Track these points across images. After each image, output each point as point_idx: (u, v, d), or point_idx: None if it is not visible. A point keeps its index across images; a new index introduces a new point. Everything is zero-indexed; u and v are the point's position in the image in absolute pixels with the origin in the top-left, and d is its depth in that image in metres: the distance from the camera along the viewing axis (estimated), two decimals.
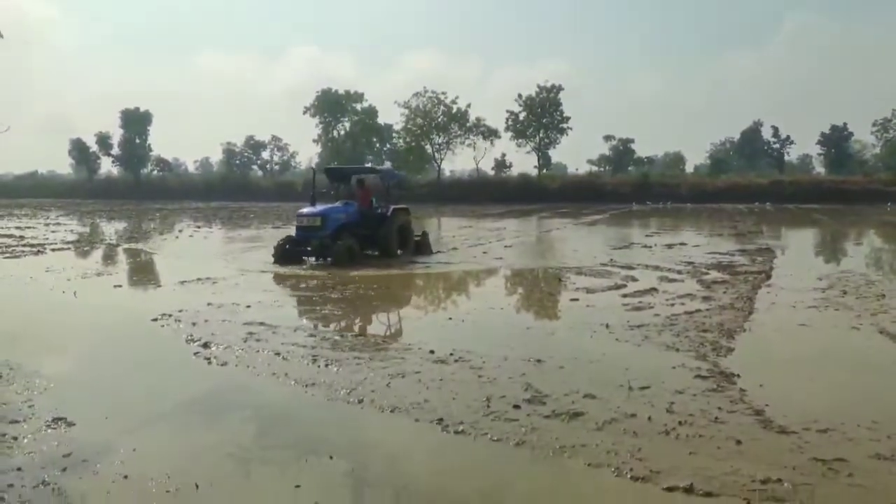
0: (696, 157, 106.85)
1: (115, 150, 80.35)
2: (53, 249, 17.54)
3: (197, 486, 3.69)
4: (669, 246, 17.85)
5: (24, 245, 18.38)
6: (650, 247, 17.70)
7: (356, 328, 7.90)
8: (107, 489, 3.67)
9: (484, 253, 16.48)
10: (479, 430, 4.52)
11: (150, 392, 5.64)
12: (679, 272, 12.32)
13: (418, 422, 4.72)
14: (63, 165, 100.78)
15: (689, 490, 3.63)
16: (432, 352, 6.45)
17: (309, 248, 13.72)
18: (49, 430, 4.53)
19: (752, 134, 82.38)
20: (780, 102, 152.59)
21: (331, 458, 4.12)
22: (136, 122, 79.29)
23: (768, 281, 11.30)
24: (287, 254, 13.82)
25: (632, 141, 76.56)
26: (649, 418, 4.68)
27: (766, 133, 79.02)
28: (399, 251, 15.06)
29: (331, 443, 4.40)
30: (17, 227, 26.37)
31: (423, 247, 15.95)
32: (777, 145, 77.07)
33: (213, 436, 4.65)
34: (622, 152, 76.10)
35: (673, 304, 9.00)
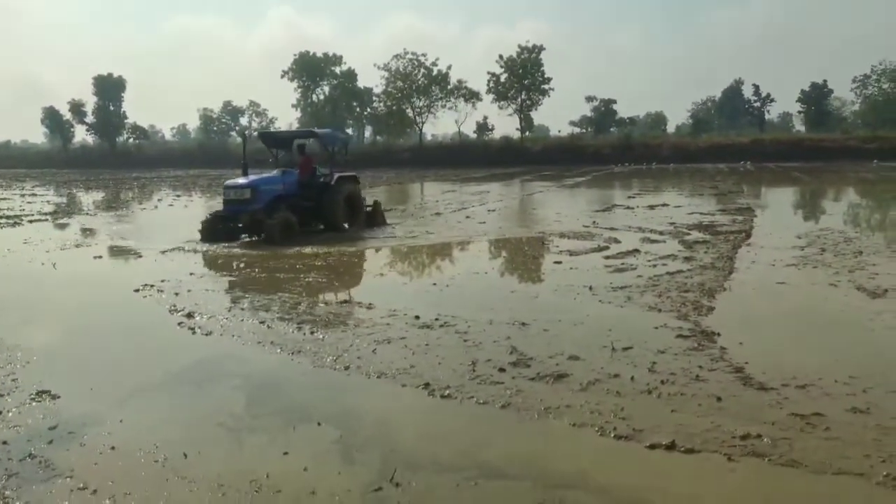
0: (677, 117, 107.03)
1: (90, 118, 78.72)
2: (31, 221, 17.26)
3: (185, 455, 3.71)
4: (651, 207, 17.94)
5: (0, 217, 18.07)
6: (632, 208, 17.78)
7: (341, 295, 7.89)
8: (94, 461, 3.68)
9: (467, 217, 16.46)
10: (465, 393, 4.57)
11: (135, 363, 5.62)
12: (661, 233, 12.41)
13: (405, 387, 4.76)
14: (37, 134, 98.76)
15: (671, 447, 3.71)
16: (417, 317, 6.48)
17: (241, 225, 12.46)
18: (34, 403, 4.51)
19: (733, 93, 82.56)
20: (761, 60, 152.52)
21: (318, 424, 4.15)
22: (109, 88, 77.64)
23: (748, 240, 11.43)
24: (217, 231, 12.37)
25: (614, 101, 76.42)
26: (632, 378, 4.76)
27: (747, 91, 79.27)
28: (347, 224, 13.98)
29: (318, 409, 4.43)
30: None
31: (375, 218, 14.74)
32: (758, 104, 77.36)
33: (199, 405, 4.66)
34: (604, 113, 75.92)
35: (655, 265, 9.08)
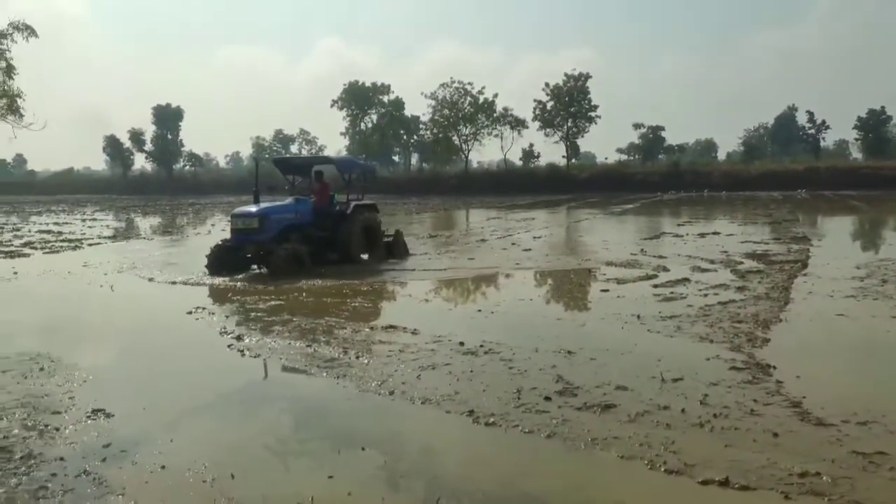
0: (728, 144, 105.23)
1: (148, 147, 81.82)
2: (90, 244, 17.95)
3: (233, 476, 3.75)
4: (702, 235, 17.59)
5: (62, 240, 18.84)
6: (682, 236, 17.46)
7: (386, 320, 7.92)
8: (145, 479, 3.75)
9: (513, 244, 16.40)
10: (509, 422, 4.51)
11: (186, 384, 5.75)
12: (712, 262, 12.13)
13: (449, 414, 4.73)
14: (98, 162, 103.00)
15: (724, 483, 3.58)
16: (462, 343, 6.45)
17: (249, 255, 11.73)
18: (89, 421, 4.64)
19: (787, 119, 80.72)
20: (816, 86, 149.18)
21: (363, 449, 4.15)
22: (167, 118, 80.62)
23: (804, 270, 11.07)
24: (224, 261, 11.63)
25: (662, 128, 75.58)
26: (683, 410, 4.62)
27: (801, 118, 77.38)
28: (365, 255, 13.11)
29: (363, 434, 4.43)
30: (56, 223, 27.03)
31: (396, 248, 13.92)
32: (812, 131, 75.34)
33: (247, 427, 4.72)
34: (652, 140, 75.11)
35: (706, 295, 8.86)
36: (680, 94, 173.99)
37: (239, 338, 6.97)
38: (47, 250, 16.43)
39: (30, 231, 22.68)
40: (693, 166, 66.09)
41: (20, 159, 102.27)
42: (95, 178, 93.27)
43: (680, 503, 3.48)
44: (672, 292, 9.12)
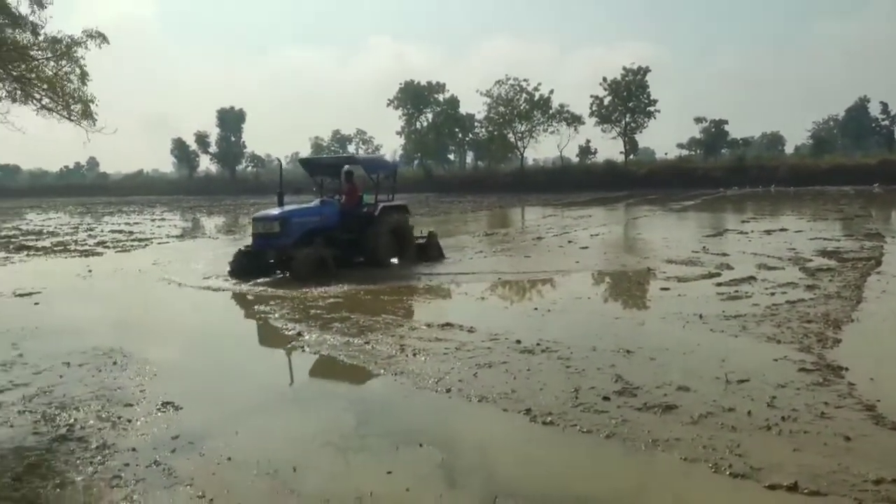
0: (796, 138, 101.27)
1: (213, 149, 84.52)
2: (159, 243, 18.67)
3: (295, 470, 3.84)
4: (768, 232, 17.00)
5: (132, 240, 19.68)
6: (747, 233, 16.92)
7: (442, 318, 7.95)
8: (212, 470, 3.88)
9: (569, 242, 16.22)
10: (567, 421, 4.47)
11: (249, 378, 5.92)
12: (779, 259, 11.72)
13: (506, 412, 4.72)
14: (166, 164, 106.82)
15: (793, 488, 3.45)
16: (519, 342, 6.42)
17: (272, 261, 11.42)
18: (159, 414, 4.83)
19: (858, 111, 77.17)
20: (889, 76, 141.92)
21: (421, 446, 4.19)
22: (231, 120, 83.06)
23: (878, 268, 10.57)
24: (247, 267, 11.34)
25: (725, 122, 73.10)
26: (749, 413, 4.48)
27: (874, 109, 73.82)
28: (395, 259, 12.55)
29: (420, 431, 4.47)
30: (127, 224, 28.23)
31: (430, 251, 13.15)
32: (886, 122, 71.80)
33: (308, 421, 4.83)
34: (715, 134, 72.80)
35: (773, 294, 8.56)
36: (744, 87, 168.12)
37: (299, 334, 7.13)
38: (119, 249, 17.18)
39: (102, 231, 23.76)
40: (758, 161, 63.89)
41: (93, 162, 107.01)
42: (164, 180, 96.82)
43: None
44: (736, 291, 8.85)
